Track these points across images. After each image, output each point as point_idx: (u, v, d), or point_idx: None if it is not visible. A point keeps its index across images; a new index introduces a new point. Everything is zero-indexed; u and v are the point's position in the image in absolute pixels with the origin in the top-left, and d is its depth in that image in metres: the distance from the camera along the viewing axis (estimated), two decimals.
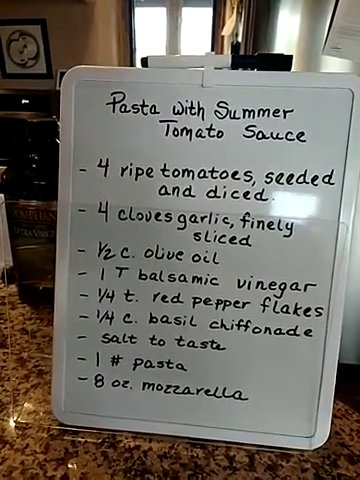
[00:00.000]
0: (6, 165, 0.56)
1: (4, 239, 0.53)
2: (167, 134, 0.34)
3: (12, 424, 0.38)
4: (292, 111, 0.33)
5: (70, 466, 0.34)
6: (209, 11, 2.55)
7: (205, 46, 2.58)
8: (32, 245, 0.54)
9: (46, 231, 0.53)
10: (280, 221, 0.34)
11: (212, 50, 2.53)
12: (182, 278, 0.35)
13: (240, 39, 1.34)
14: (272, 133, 0.33)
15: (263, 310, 0.35)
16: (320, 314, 0.34)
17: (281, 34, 1.11)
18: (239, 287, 0.35)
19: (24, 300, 0.58)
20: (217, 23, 2.46)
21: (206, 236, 0.34)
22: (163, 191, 0.34)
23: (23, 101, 2.25)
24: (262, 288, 0.35)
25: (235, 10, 1.51)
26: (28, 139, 0.52)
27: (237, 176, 0.34)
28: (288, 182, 0.33)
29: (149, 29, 2.68)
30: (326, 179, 0.33)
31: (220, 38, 2.28)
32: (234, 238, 0.34)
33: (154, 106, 0.34)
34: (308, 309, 0.35)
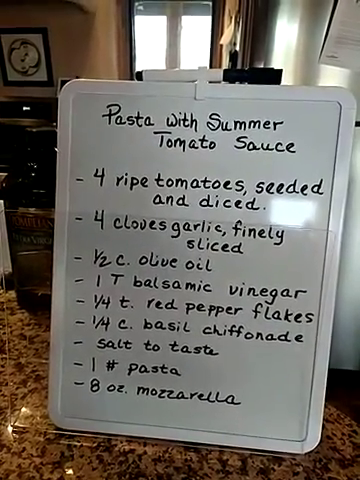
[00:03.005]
0: (7, 172, 0.57)
1: (3, 245, 0.54)
2: (161, 145, 0.35)
3: (9, 428, 0.38)
4: (282, 123, 0.34)
5: (66, 469, 0.35)
6: (208, 19, 2.58)
7: (204, 54, 2.60)
8: (31, 252, 0.55)
9: (44, 238, 0.54)
10: (271, 229, 0.35)
11: (211, 58, 2.55)
12: (176, 285, 0.36)
13: (238, 48, 1.36)
14: (263, 144, 0.34)
15: (255, 316, 0.36)
16: (310, 320, 0.35)
17: (278, 43, 1.13)
18: (231, 293, 0.36)
19: (23, 306, 0.59)
20: (216, 32, 2.49)
21: (199, 244, 0.35)
22: (157, 200, 0.35)
23: (24, 108, 2.28)
24: (254, 294, 0.35)
25: (233, 19, 1.53)
26: (27, 148, 0.54)
27: (229, 186, 0.35)
28: (278, 191, 0.34)
29: (149, 37, 2.70)
30: (315, 188, 0.34)
31: (219, 46, 2.31)
32: (226, 246, 0.35)
33: (149, 118, 0.35)
34: (299, 315, 0.35)
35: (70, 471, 0.34)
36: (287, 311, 0.35)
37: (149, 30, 2.69)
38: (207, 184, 0.35)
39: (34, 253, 0.55)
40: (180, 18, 2.66)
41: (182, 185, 0.35)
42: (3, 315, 0.57)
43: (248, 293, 0.35)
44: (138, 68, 2.64)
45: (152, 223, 0.35)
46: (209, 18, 2.57)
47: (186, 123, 0.35)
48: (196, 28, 2.66)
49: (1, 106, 2.30)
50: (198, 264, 0.36)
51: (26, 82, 2.35)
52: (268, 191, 0.34)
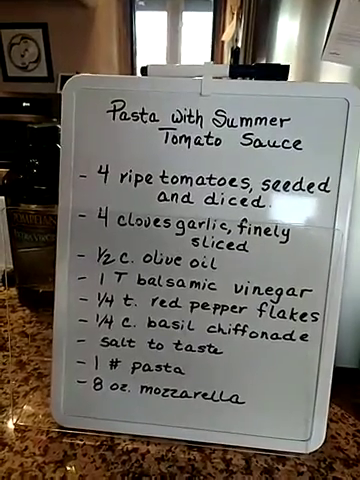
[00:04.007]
0: (7, 167, 0.57)
1: (5, 242, 0.53)
2: (166, 141, 0.34)
3: (11, 426, 0.38)
4: (289, 120, 0.33)
5: (68, 468, 0.34)
6: (210, 16, 2.56)
7: (205, 51, 2.59)
8: (32, 248, 0.55)
9: (46, 235, 0.53)
10: (277, 227, 0.34)
11: (212, 55, 2.54)
12: (180, 283, 0.36)
13: (240, 44, 1.35)
14: (269, 141, 0.34)
15: (260, 315, 0.35)
16: (316, 319, 0.35)
17: (280, 40, 1.12)
18: (236, 292, 0.35)
19: (24, 303, 0.59)
20: (217, 28, 2.47)
21: (204, 242, 0.35)
22: (162, 197, 0.35)
23: (24, 104, 2.26)
24: (259, 293, 0.35)
25: (235, 16, 1.52)
26: (29, 144, 0.53)
27: (235, 183, 0.34)
28: (284, 189, 0.34)
29: (150, 33, 2.69)
30: (322, 186, 0.34)
31: (220, 43, 2.30)
32: (231, 244, 0.35)
33: (153, 114, 0.34)
34: (304, 314, 0.35)
35: (73, 470, 0.34)
36: (292, 310, 0.35)
37: (150, 26, 2.67)
38: (212, 181, 0.34)
39: (35, 250, 0.55)
40: (181, 14, 2.64)
41: (187, 182, 0.35)
42: (4, 312, 0.56)
43: (253, 292, 0.35)
44: (139, 64, 2.63)
45: (156, 221, 0.35)
46: (210, 14, 2.56)
47: (191, 119, 0.34)
48: (197, 24, 2.64)
49: (1, 102, 2.29)
50: (203, 262, 0.35)
51: (26, 78, 2.34)
52: (274, 189, 0.34)
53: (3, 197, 0.54)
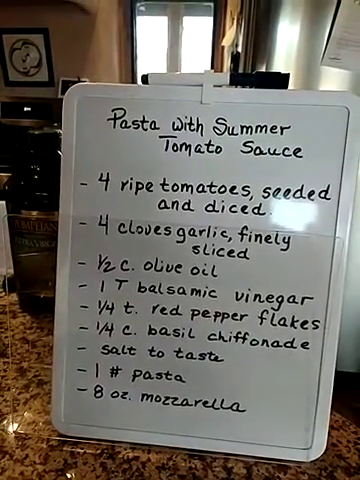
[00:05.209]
0: (8, 172, 0.57)
1: (5, 248, 0.53)
2: (167, 149, 0.35)
3: (12, 434, 0.38)
4: (289, 128, 0.33)
5: (69, 477, 0.34)
6: (210, 20, 2.57)
7: (206, 55, 2.60)
8: (33, 254, 0.55)
9: (47, 241, 0.53)
10: (277, 235, 0.34)
11: (212, 60, 2.55)
12: (181, 290, 0.36)
13: (240, 49, 1.36)
14: (269, 149, 0.34)
15: (261, 322, 0.35)
16: (317, 327, 0.35)
17: (280, 45, 1.13)
18: (237, 300, 0.35)
19: (25, 309, 0.59)
20: (217, 33, 2.48)
21: (205, 249, 0.35)
22: (162, 205, 0.35)
23: (25, 109, 2.27)
24: (260, 301, 0.35)
25: (235, 21, 1.53)
26: (30, 150, 0.53)
27: (235, 191, 0.34)
28: (285, 197, 0.34)
29: (150, 38, 2.70)
30: (322, 194, 0.34)
31: (220, 48, 2.31)
32: (232, 251, 0.35)
33: (154, 122, 0.34)
34: (305, 322, 0.35)
35: (73, 479, 0.34)
36: (293, 318, 0.35)
37: (150, 31, 2.68)
38: (213, 189, 0.35)
39: (36, 255, 0.55)
40: (181, 19, 2.65)
41: (188, 190, 0.35)
42: (5, 318, 0.56)
43: (254, 299, 0.35)
44: (139, 68, 2.64)
45: (157, 228, 0.35)
46: (210, 19, 2.57)
47: (192, 127, 0.34)
48: (197, 29, 2.65)
49: (2, 106, 2.30)
50: (203, 270, 0.35)
51: (27, 82, 2.35)
52: (275, 196, 0.34)
53: (3, 202, 0.54)
